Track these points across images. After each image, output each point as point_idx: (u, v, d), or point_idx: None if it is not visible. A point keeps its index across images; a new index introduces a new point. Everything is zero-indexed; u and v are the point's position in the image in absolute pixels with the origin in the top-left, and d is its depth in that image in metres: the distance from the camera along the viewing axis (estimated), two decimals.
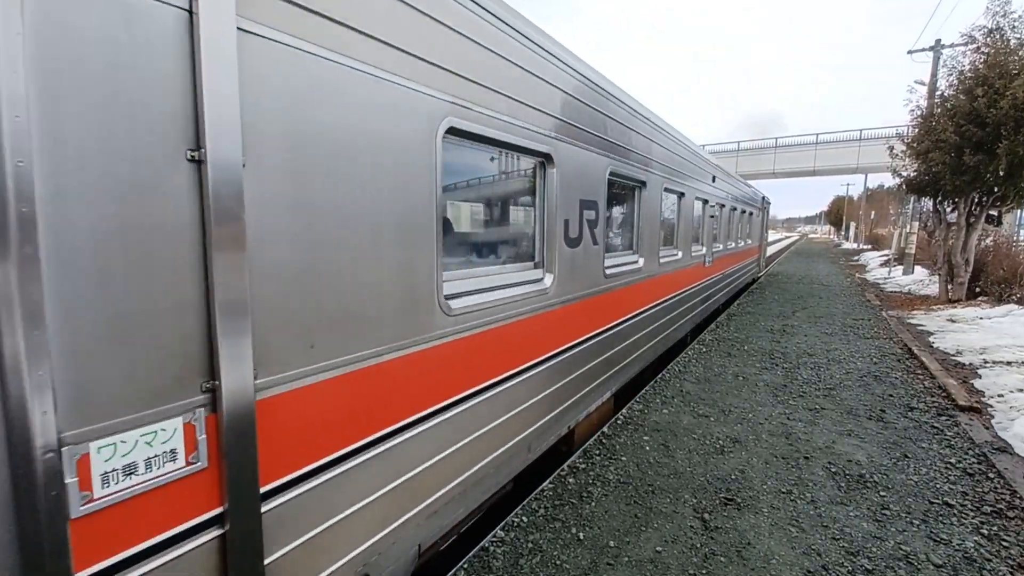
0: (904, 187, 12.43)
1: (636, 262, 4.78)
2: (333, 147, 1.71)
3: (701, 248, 7.60)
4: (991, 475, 3.67)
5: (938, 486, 3.52)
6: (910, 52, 17.21)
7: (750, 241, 13.34)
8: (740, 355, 6.87)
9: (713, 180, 7.85)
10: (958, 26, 10.70)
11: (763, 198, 15.58)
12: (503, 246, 3.18)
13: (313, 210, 1.66)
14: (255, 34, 1.44)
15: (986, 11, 10.08)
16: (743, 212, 11.77)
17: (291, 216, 1.59)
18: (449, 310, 2.36)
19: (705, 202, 7.50)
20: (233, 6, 1.34)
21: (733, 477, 3.63)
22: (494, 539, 2.93)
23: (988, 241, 12.85)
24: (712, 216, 8.11)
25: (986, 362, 6.45)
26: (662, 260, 5.51)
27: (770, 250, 41.25)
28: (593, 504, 3.29)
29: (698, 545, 2.89)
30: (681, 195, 6.12)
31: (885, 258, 22.69)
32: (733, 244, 10.59)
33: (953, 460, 3.90)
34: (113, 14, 1.15)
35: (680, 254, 6.29)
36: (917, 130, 11.47)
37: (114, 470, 1.22)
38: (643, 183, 4.73)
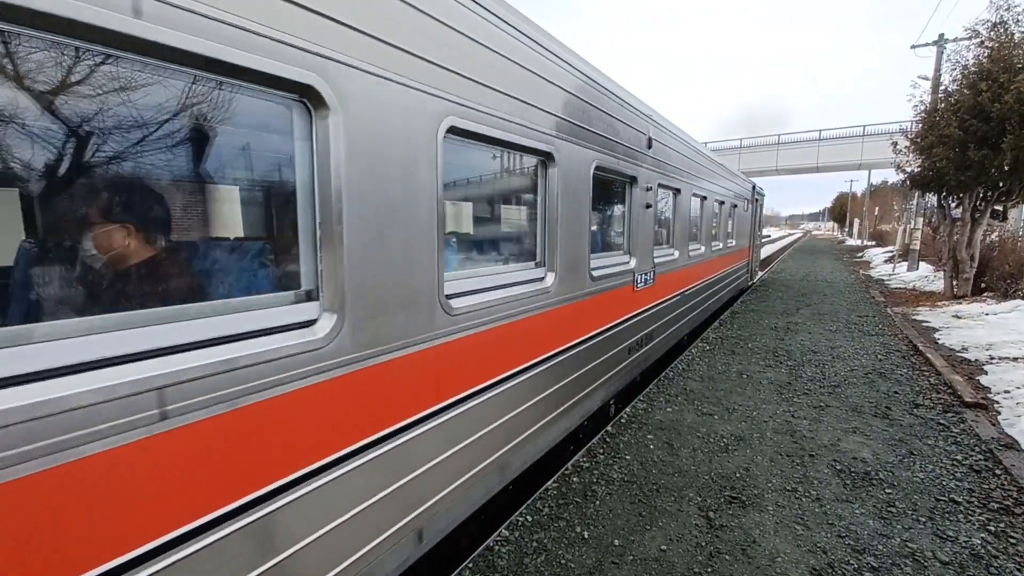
0: (908, 183, 12.37)
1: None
2: None
3: (626, 261, 4.57)
4: (998, 471, 3.65)
5: (944, 483, 3.51)
6: (913, 47, 17.12)
7: (732, 243, 10.02)
8: (744, 353, 6.85)
9: (649, 146, 4.75)
10: (961, 22, 10.61)
11: (753, 187, 12.40)
12: None
13: None
14: None
15: (990, 5, 10.02)
16: (722, 204, 8.72)
17: None
18: None
19: (631, 182, 4.53)
20: None
21: (738, 475, 3.63)
22: (499, 538, 2.94)
23: (993, 236, 12.78)
24: (647, 206, 4.82)
25: (992, 358, 6.41)
26: (476, 301, 2.60)
27: (773, 248, 40.28)
28: (597, 503, 3.29)
29: (703, 543, 2.89)
30: (544, 160, 3.22)
31: (889, 254, 22.59)
32: (701, 249, 7.35)
33: (959, 457, 3.88)
34: None
35: (549, 280, 3.26)
36: (921, 125, 11.41)
37: None
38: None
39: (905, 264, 17.61)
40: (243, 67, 1.48)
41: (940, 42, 15.98)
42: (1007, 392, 5.21)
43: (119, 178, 1.48)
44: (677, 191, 5.93)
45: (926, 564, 2.70)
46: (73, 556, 1.21)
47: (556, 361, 3.40)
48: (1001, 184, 10.18)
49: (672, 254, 6.00)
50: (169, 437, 1.36)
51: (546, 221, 3.36)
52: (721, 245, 8.88)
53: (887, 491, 3.41)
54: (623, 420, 4.57)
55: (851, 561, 2.72)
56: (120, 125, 1.41)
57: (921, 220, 17.20)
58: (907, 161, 11.93)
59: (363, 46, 1.82)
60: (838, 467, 3.73)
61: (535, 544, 2.89)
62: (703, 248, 7.55)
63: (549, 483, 3.52)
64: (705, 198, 7.43)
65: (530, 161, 3.27)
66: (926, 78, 14.20)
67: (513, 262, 3.26)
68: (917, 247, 16.96)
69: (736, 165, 41.53)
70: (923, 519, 3.10)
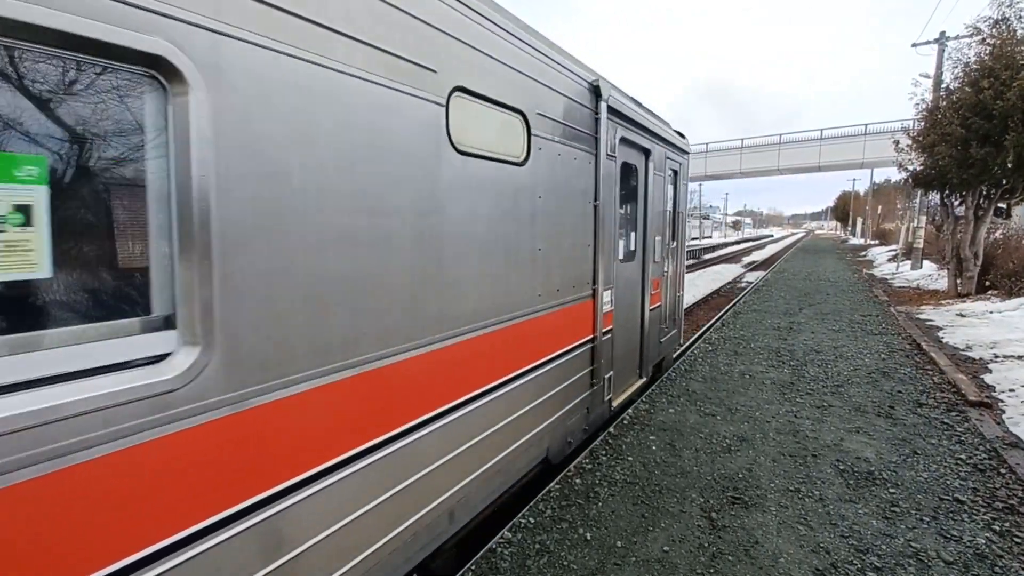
0: (911, 181, 12.34)
1: None
2: None
3: None
4: (1002, 471, 3.63)
5: (948, 482, 3.49)
6: (914, 45, 17.07)
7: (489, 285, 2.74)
8: (746, 353, 6.84)
9: None
10: (962, 20, 10.59)
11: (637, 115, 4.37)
12: None
13: None
14: None
15: (991, 2, 9.99)
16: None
17: None
18: None
19: None
20: None
21: (740, 476, 3.62)
22: (501, 540, 2.94)
23: (997, 234, 12.73)
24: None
25: (996, 356, 6.38)
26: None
27: (776, 247, 39.00)
28: (600, 504, 3.29)
29: (705, 544, 2.88)
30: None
31: (893, 253, 22.50)
32: None
33: (963, 456, 3.86)
34: None
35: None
36: (922, 124, 11.38)
37: None
38: None
39: (908, 263, 17.54)
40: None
41: (941, 40, 15.93)
42: (1012, 391, 5.18)
43: None
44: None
45: (930, 564, 2.69)
46: None
47: None
48: (1004, 182, 10.13)
49: None
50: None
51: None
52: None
53: (890, 491, 3.39)
54: (625, 421, 4.57)
55: (854, 561, 2.71)
56: None
57: (924, 218, 17.13)
58: (909, 159, 11.91)
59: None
60: (841, 467, 3.72)
61: (538, 546, 2.89)
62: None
63: (552, 485, 3.53)
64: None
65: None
66: (927, 76, 14.17)
67: None
68: (920, 245, 16.89)
69: (738, 165, 40.29)
70: (927, 519, 3.08)
